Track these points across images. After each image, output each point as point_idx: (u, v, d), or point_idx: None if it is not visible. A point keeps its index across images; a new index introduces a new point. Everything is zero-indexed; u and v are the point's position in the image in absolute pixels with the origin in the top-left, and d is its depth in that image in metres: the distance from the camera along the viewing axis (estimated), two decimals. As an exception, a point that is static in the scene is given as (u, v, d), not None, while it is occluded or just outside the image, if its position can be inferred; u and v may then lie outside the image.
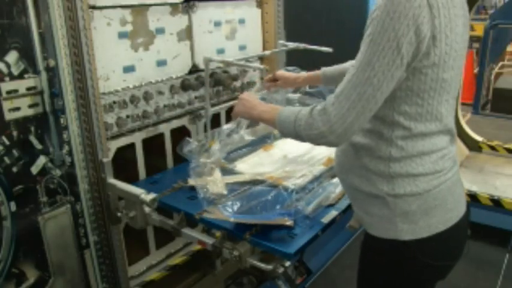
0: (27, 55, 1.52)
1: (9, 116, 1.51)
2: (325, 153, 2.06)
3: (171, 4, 2.01)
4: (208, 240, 1.57)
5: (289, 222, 1.47)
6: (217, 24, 2.27)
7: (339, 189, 1.70)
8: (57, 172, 1.67)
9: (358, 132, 1.31)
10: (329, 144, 1.26)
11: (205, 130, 2.19)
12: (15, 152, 1.54)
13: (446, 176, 1.30)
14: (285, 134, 1.40)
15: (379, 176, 1.28)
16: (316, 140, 1.27)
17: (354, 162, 1.34)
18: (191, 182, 1.83)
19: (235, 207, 1.60)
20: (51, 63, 1.56)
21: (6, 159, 1.52)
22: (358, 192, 1.36)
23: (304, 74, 2.10)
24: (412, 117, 1.22)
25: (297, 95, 2.27)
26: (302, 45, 2.41)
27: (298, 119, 1.29)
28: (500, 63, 6.84)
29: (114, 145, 1.88)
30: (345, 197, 1.63)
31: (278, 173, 1.91)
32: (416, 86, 1.18)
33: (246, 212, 1.59)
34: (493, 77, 6.34)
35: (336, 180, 1.76)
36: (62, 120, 1.63)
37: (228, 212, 1.57)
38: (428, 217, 1.27)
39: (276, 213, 1.55)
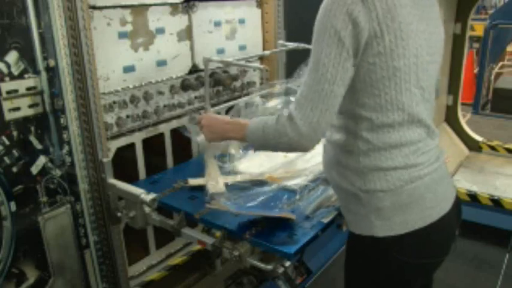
0: (27, 55, 1.52)
1: (9, 116, 1.51)
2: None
3: (171, 4, 2.01)
4: (208, 240, 1.57)
5: (293, 217, 1.48)
6: (217, 24, 2.27)
7: None
8: (57, 172, 1.67)
9: (335, 129, 1.35)
10: (302, 148, 1.27)
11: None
12: (15, 152, 1.54)
13: (423, 171, 1.29)
14: (258, 148, 1.42)
15: (352, 172, 1.30)
16: (288, 147, 1.29)
17: (333, 159, 1.38)
18: (191, 182, 1.83)
19: (237, 204, 1.60)
20: (51, 63, 1.56)
21: (6, 159, 1.52)
22: (339, 190, 1.39)
23: None
24: (372, 108, 1.24)
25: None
26: (302, 45, 2.41)
27: (266, 129, 1.31)
28: (500, 63, 6.85)
29: (114, 145, 1.88)
30: None
31: (278, 173, 1.91)
32: (368, 77, 1.21)
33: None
34: (493, 77, 6.35)
35: None
36: (62, 120, 1.63)
37: (232, 206, 1.57)
38: (404, 214, 1.28)
39: (278, 211, 1.56)
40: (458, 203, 1.43)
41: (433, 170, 1.32)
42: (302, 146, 1.26)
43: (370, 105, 1.24)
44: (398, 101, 1.24)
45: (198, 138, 1.79)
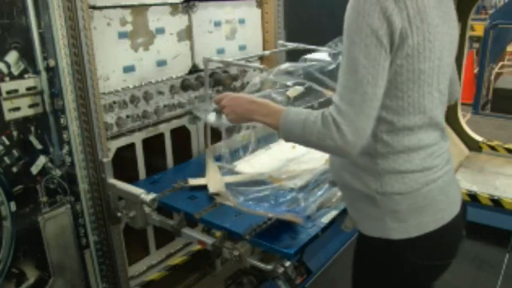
0: (27, 55, 1.52)
1: (9, 116, 1.51)
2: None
3: (171, 4, 2.01)
4: (208, 240, 1.57)
5: (300, 221, 1.47)
6: (217, 24, 2.27)
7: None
8: (57, 172, 1.67)
9: None
10: (346, 155, 1.18)
11: (205, 130, 2.19)
12: (15, 152, 1.54)
13: (437, 174, 1.29)
14: (290, 140, 1.31)
15: (368, 173, 1.28)
16: (330, 151, 1.23)
17: (344, 161, 1.34)
18: (191, 182, 1.83)
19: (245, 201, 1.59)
20: (51, 63, 1.56)
21: (6, 159, 1.52)
22: (349, 190, 1.36)
23: None
24: (394, 111, 1.22)
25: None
26: (302, 45, 2.41)
27: (307, 126, 1.20)
28: (500, 63, 6.85)
29: (114, 145, 1.87)
30: None
31: (278, 173, 1.91)
32: (393, 79, 1.18)
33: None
34: (493, 77, 6.35)
35: None
36: (62, 120, 1.63)
37: (240, 200, 1.55)
38: (419, 216, 1.27)
39: (283, 210, 1.55)
40: (464, 204, 1.43)
41: (445, 172, 1.32)
42: (346, 153, 1.17)
43: (392, 107, 1.21)
44: (420, 104, 1.23)
45: (210, 118, 1.65)
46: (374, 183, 1.27)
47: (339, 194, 1.68)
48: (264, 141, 2.26)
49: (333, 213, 1.60)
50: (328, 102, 1.40)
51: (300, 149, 2.17)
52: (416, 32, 1.15)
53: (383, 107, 1.21)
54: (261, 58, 2.56)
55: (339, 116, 1.15)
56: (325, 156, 2.04)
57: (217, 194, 1.72)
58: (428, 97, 1.24)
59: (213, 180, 1.84)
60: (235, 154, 2.12)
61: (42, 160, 1.62)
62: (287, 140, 1.31)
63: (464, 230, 1.44)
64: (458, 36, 1.37)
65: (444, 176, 1.32)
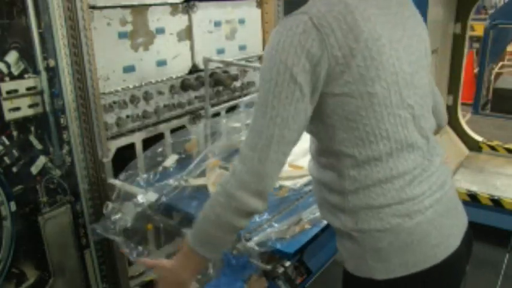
0: (27, 55, 1.52)
1: (9, 116, 1.51)
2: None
3: (171, 4, 2.01)
4: (208, 240, 1.56)
5: None
6: (217, 24, 2.27)
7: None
8: (57, 172, 1.67)
9: (318, 168, 1.20)
10: (252, 209, 1.07)
11: (205, 130, 2.18)
12: (15, 152, 1.54)
13: (423, 204, 1.10)
14: (209, 245, 1.21)
15: (341, 211, 1.14)
16: (235, 213, 1.08)
17: (320, 197, 1.23)
18: (191, 182, 1.83)
19: None
20: (51, 63, 1.56)
21: (6, 159, 1.52)
22: (334, 229, 1.24)
23: None
24: (353, 143, 1.07)
25: None
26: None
27: (205, 214, 1.15)
28: (500, 63, 6.84)
29: (114, 145, 1.87)
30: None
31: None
32: (340, 109, 1.04)
33: None
34: (493, 77, 6.34)
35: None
36: (62, 120, 1.63)
37: None
38: (404, 254, 1.10)
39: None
40: (469, 234, 1.26)
41: (436, 200, 1.13)
42: (251, 207, 1.06)
43: (349, 139, 1.07)
44: (380, 129, 1.06)
45: None
46: (349, 221, 1.13)
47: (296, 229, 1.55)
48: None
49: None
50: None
51: (301, 149, 2.16)
52: (351, 54, 1.00)
53: (340, 141, 1.08)
54: (261, 58, 2.56)
55: (240, 164, 1.05)
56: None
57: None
58: (390, 119, 1.06)
59: (213, 180, 1.84)
60: (235, 154, 2.12)
61: (42, 160, 1.62)
62: (208, 251, 1.21)
63: (468, 264, 1.30)
64: (426, 31, 1.20)
65: (435, 205, 1.12)
